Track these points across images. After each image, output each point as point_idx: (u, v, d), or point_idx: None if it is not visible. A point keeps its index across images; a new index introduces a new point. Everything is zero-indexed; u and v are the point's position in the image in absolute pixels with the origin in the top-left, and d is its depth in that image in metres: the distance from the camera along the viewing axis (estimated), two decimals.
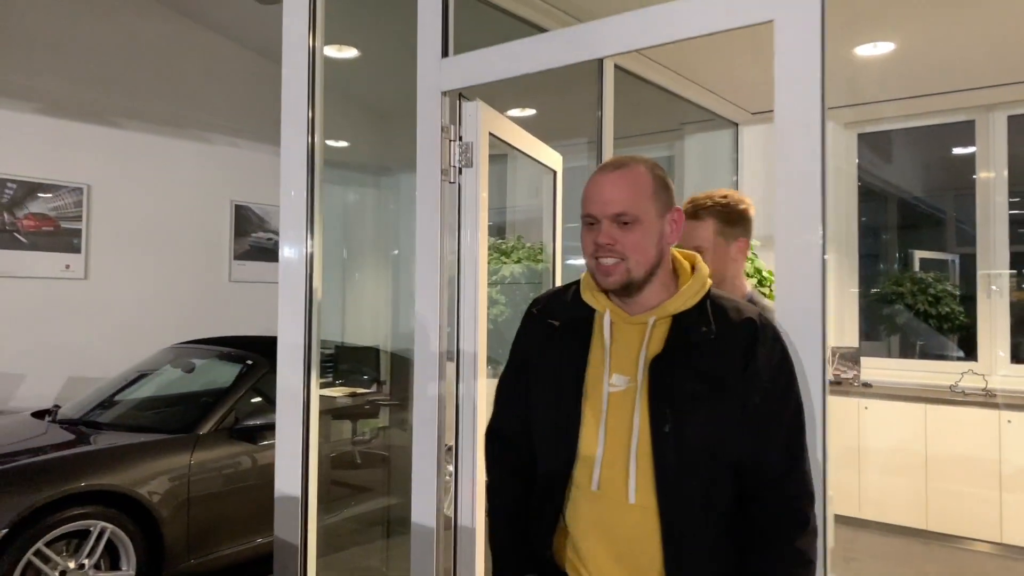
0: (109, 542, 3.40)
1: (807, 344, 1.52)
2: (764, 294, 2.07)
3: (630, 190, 1.35)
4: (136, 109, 5.98)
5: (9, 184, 5.39)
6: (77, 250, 5.70)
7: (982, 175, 5.05)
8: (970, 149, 5.16)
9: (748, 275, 3.58)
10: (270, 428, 3.71)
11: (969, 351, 5.21)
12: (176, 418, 4.06)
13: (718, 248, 1.95)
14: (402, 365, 4.69)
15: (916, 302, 5.40)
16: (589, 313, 1.45)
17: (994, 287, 4.87)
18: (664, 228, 1.39)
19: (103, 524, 3.35)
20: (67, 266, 5.65)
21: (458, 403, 2.29)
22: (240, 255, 6.74)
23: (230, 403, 3.98)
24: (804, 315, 1.53)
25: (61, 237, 5.63)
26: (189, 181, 6.36)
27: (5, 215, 5.38)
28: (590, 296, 1.45)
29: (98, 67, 5.74)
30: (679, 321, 1.38)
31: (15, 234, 5.43)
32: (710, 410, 1.31)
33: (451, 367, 2.28)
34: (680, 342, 1.35)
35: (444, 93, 2.20)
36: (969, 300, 5.20)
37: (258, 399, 4.09)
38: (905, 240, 6.23)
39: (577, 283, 1.51)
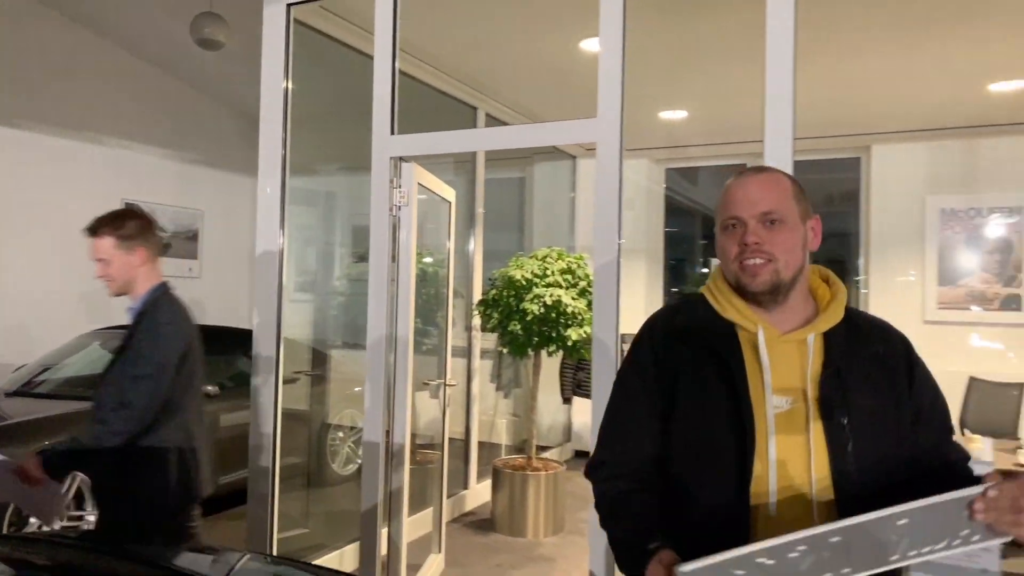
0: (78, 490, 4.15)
1: (607, 321, 2.80)
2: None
3: (776, 191, 1.35)
4: (36, 111, 6.43)
5: None
6: None
7: None
8: None
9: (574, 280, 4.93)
10: None
11: None
12: None
13: (119, 257, 2.47)
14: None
15: None
16: (731, 330, 1.39)
17: None
18: (807, 233, 1.38)
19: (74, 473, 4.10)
20: None
21: (395, 365, 3.42)
22: None
23: None
24: (606, 302, 2.80)
25: None
26: (83, 179, 6.85)
27: None
28: (735, 312, 1.39)
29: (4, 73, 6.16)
30: (831, 337, 1.36)
31: None
32: (888, 424, 1.33)
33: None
34: (845, 358, 1.34)
35: (392, 158, 3.32)
36: None
37: None
38: (708, 248, 7.97)
39: (701, 299, 1.45)
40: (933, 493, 1.12)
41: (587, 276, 4.94)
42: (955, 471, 1.36)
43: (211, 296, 7.70)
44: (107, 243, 2.47)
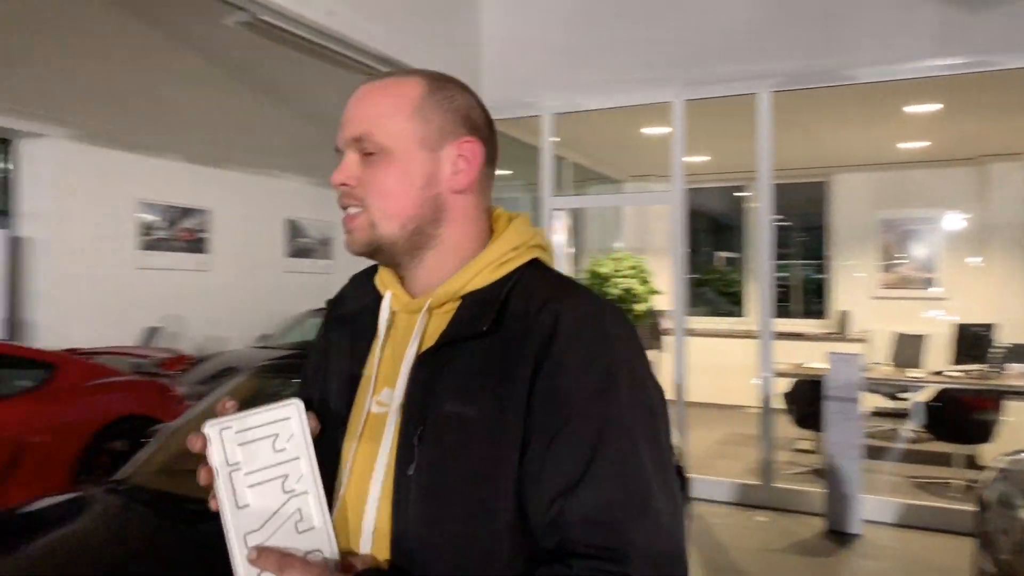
0: None
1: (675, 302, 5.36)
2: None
3: (380, 105, 0.90)
4: (233, 158, 8.93)
5: (171, 208, 8.25)
6: (206, 251, 8.64)
7: (753, 205, 9.40)
8: (747, 194, 9.50)
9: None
10: None
11: (742, 311, 9.61)
12: None
13: None
14: None
15: (717, 285, 9.76)
16: (376, 300, 0.98)
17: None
18: (440, 164, 0.91)
19: None
20: (200, 263, 8.57)
21: None
22: (291, 254, 9.86)
23: None
24: (675, 290, 5.36)
25: (196, 243, 8.54)
26: (256, 203, 9.37)
27: (168, 230, 8.24)
28: (380, 276, 1.00)
29: (217, 131, 8.64)
30: (463, 310, 0.90)
31: (172, 241, 8.30)
32: (477, 446, 0.84)
33: None
34: (450, 340, 0.88)
35: (550, 209, 5.88)
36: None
37: None
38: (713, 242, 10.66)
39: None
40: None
41: (645, 270, 7.49)
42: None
43: (339, 286, 10.23)
44: None
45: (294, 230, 9.95)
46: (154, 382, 5.22)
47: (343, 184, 0.91)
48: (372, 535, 0.87)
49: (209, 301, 8.55)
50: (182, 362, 6.42)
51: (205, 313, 8.38)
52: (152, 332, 7.54)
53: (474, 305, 0.89)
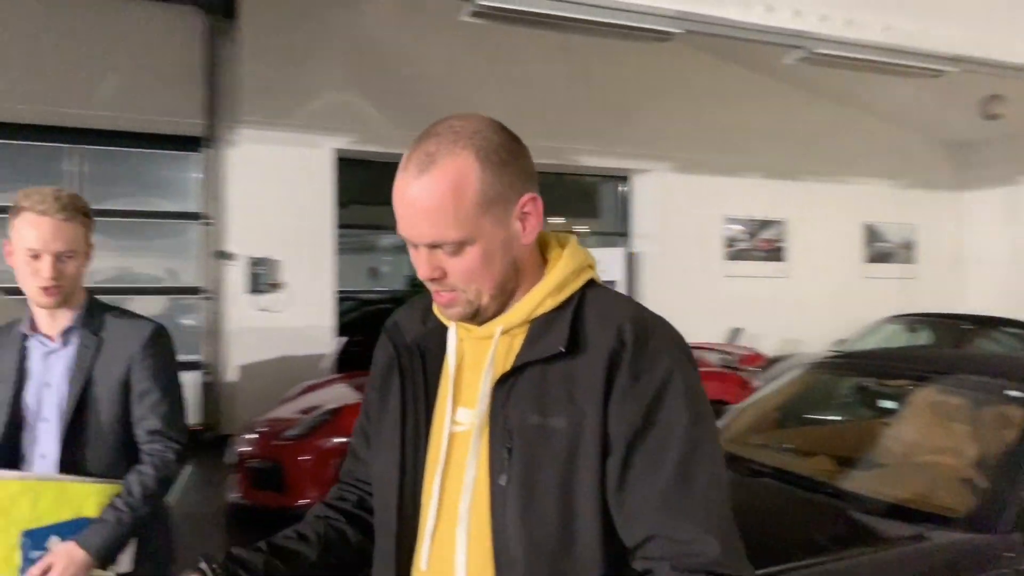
0: None
1: None
2: None
3: (439, 213, 0.94)
4: (806, 169, 9.31)
5: (752, 221, 9.14)
6: (783, 259, 9.27)
7: None
8: None
9: None
10: None
11: None
12: None
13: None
14: None
15: None
16: (442, 330, 1.08)
17: None
18: (511, 231, 0.99)
19: None
20: (778, 270, 9.23)
21: None
22: (869, 259, 9.78)
23: None
24: None
25: (774, 252, 9.24)
26: (831, 210, 9.53)
27: (749, 241, 9.14)
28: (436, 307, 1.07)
29: (791, 145, 9.16)
30: (534, 329, 1.01)
31: (753, 251, 9.16)
32: (558, 454, 0.95)
33: None
34: (526, 360, 0.98)
35: None
36: None
37: None
38: None
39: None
40: None
41: None
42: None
43: (925, 293, 9.62)
44: None
45: (872, 235, 9.84)
46: (734, 375, 6.00)
47: (432, 280, 1.00)
48: (467, 543, 0.97)
49: (786, 306, 9.12)
50: (759, 360, 7.11)
51: (782, 317, 8.99)
52: (735, 332, 8.49)
53: (544, 328, 1.00)
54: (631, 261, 8.72)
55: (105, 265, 6.90)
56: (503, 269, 1.00)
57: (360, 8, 7.20)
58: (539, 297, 1.01)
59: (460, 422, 1.02)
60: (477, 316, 1.02)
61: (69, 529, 1.60)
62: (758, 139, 8.84)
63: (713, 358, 6.60)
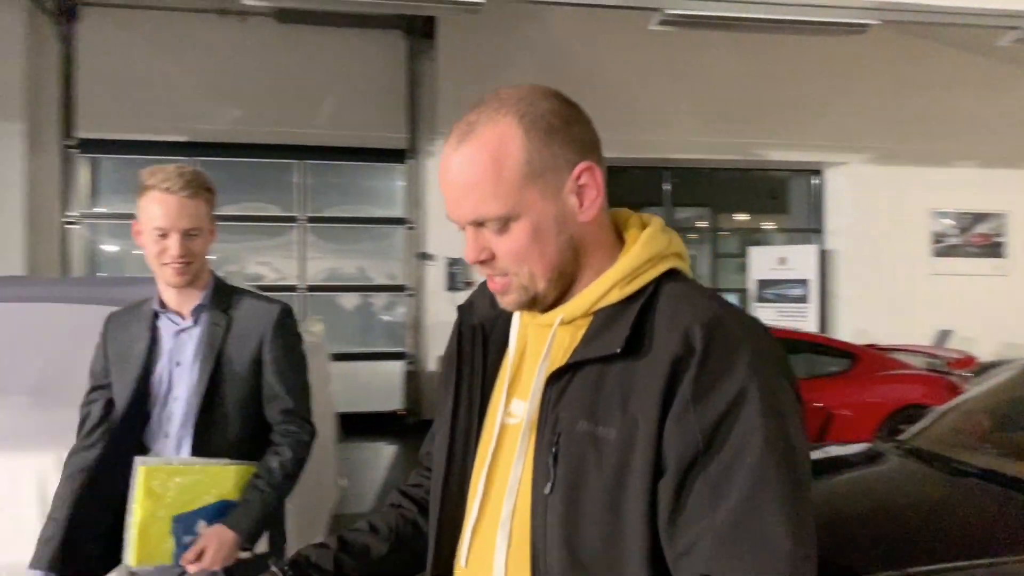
0: None
1: None
2: None
3: (484, 180, 0.87)
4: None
5: (964, 215, 8.42)
6: (1003, 256, 8.45)
7: None
8: None
9: None
10: None
11: None
12: None
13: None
14: None
15: None
16: (510, 313, 1.01)
17: None
18: (564, 204, 0.90)
19: None
20: (996, 268, 8.43)
21: None
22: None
23: None
24: None
25: (991, 248, 8.45)
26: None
27: (960, 236, 8.43)
28: None
29: (1010, 130, 8.33)
30: (596, 321, 0.92)
31: (966, 247, 8.43)
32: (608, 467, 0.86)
33: None
34: (582, 356, 0.89)
35: None
36: None
37: None
38: None
39: None
40: None
41: None
42: None
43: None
44: None
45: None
46: (941, 378, 5.62)
47: (480, 263, 0.91)
48: (507, 549, 0.89)
49: (1005, 307, 8.31)
50: (970, 364, 6.56)
51: (1000, 319, 8.20)
52: (944, 334, 7.86)
53: (605, 323, 0.88)
54: (824, 258, 8.35)
55: (324, 266, 7.78)
56: (558, 249, 0.89)
57: (548, 22, 7.51)
58: (605, 286, 0.90)
59: (513, 414, 0.94)
60: (536, 303, 0.93)
61: (214, 512, 1.62)
62: (972, 125, 8.13)
63: (917, 361, 6.22)
